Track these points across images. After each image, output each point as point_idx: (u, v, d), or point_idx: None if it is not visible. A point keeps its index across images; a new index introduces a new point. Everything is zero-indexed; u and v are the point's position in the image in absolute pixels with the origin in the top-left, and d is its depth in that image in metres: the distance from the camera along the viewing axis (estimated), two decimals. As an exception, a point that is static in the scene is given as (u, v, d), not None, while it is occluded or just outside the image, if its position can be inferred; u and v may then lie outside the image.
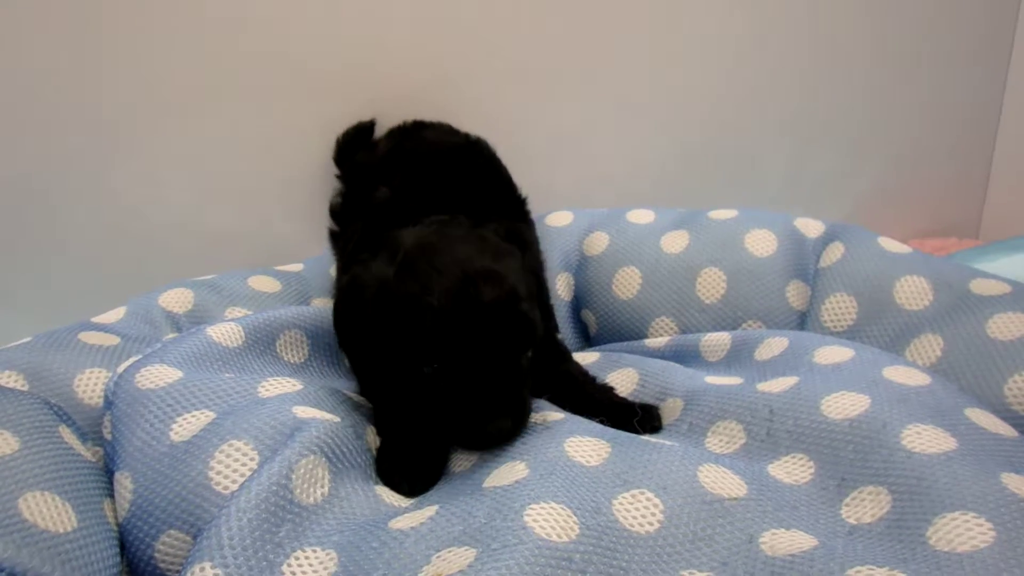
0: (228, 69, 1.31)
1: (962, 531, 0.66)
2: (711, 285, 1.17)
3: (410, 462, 0.84)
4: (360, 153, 1.33)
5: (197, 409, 0.80)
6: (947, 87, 1.79)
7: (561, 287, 1.28)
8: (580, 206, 1.40)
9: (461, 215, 1.03)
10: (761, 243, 1.19)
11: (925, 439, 0.76)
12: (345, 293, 0.90)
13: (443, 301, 0.80)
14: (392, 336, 0.83)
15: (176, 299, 1.10)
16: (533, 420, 0.87)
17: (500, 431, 0.83)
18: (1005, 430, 0.81)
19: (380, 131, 1.38)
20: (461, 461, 0.86)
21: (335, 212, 1.27)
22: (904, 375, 0.88)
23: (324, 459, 0.77)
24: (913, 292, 1.08)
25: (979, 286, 1.05)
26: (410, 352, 0.83)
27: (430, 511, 0.73)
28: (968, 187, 1.92)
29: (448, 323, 0.80)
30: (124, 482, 0.76)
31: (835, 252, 1.17)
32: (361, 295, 0.87)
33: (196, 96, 1.31)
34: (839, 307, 1.12)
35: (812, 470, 0.80)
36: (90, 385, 0.89)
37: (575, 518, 0.69)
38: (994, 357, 0.95)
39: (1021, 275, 1.55)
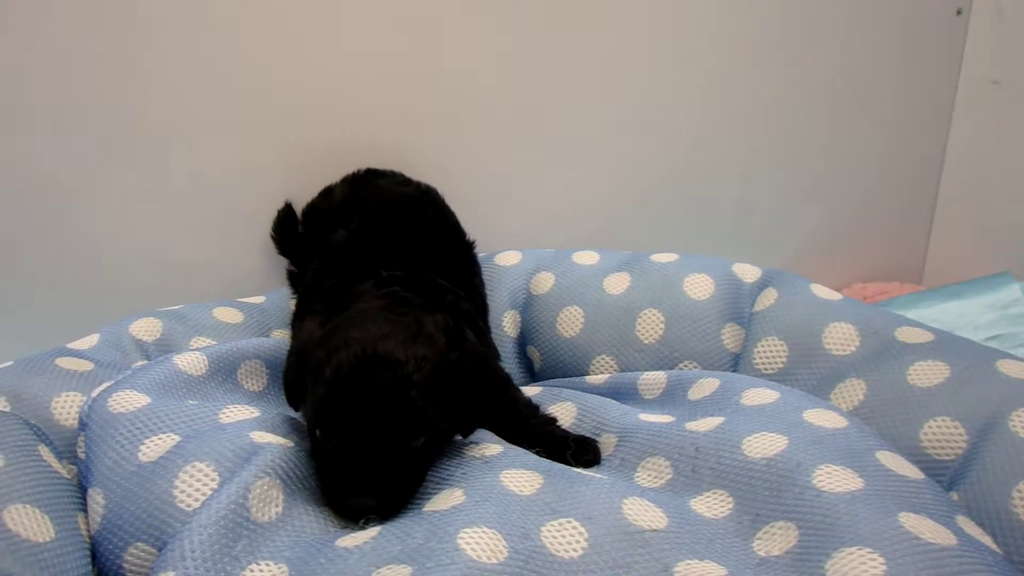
0: (193, 103, 1.34)
1: (856, 564, 0.69)
2: (650, 326, 1.21)
3: None
4: (316, 198, 1.39)
5: (163, 432, 0.86)
6: (893, 136, 1.84)
7: (508, 324, 1.33)
8: (530, 246, 1.44)
9: (421, 269, 1.12)
10: (699, 287, 1.23)
11: (834, 479, 0.80)
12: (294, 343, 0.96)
13: (335, 376, 0.82)
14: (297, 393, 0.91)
15: (145, 328, 1.15)
16: (472, 454, 0.90)
17: (360, 507, 0.82)
18: (912, 472, 0.85)
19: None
20: None
21: (292, 274, 1.35)
22: (823, 418, 0.92)
23: (279, 481, 0.82)
24: (841, 338, 1.12)
25: (904, 334, 1.09)
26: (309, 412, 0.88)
27: (373, 531, 0.78)
28: (912, 234, 1.97)
29: (333, 398, 0.82)
30: (96, 498, 0.82)
31: (769, 297, 1.21)
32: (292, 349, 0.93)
33: (162, 130, 1.34)
34: (770, 350, 1.16)
35: (731, 505, 0.84)
36: (66, 407, 0.94)
37: (504, 542, 0.73)
38: (912, 403, 0.99)
39: (955, 320, 1.62)
